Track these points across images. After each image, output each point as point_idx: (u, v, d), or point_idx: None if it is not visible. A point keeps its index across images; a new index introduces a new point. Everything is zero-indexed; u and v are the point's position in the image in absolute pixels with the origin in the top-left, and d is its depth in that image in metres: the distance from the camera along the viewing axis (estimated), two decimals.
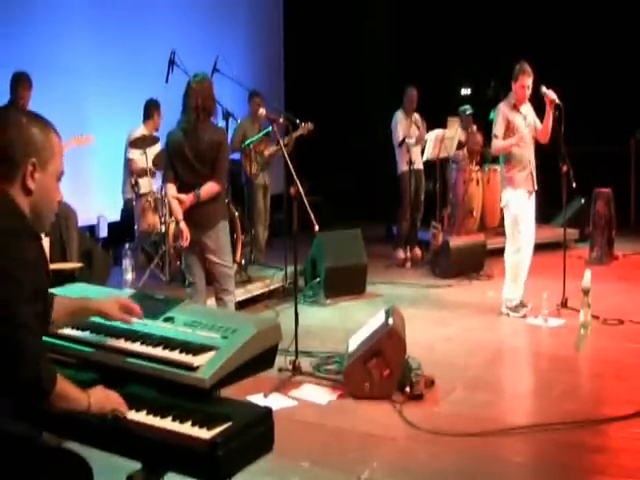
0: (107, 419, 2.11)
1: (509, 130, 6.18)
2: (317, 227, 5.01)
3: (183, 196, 4.85)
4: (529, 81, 6.15)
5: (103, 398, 2.13)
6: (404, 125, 8.50)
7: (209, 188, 4.82)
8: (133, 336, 2.37)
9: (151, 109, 7.66)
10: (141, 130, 7.53)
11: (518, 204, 6.20)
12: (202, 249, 4.93)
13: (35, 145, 2.11)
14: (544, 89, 6.19)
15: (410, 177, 8.44)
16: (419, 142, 8.49)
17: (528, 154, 6.25)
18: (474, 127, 9.40)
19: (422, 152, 8.56)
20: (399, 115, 8.54)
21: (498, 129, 6.20)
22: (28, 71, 6.19)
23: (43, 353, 2.07)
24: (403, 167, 8.55)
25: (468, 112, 9.39)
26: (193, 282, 5.05)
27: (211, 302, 5.24)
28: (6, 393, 2.04)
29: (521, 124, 6.21)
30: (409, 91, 8.58)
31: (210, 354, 2.22)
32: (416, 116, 8.58)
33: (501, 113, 6.21)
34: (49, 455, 2.19)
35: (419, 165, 8.64)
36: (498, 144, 6.24)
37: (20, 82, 5.98)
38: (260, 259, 7.89)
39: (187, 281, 5.11)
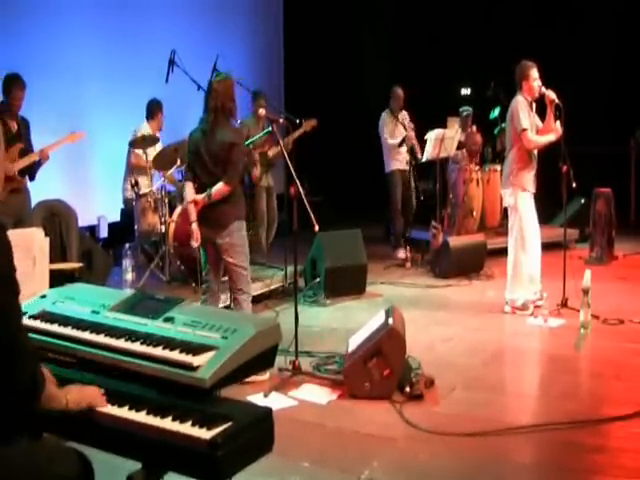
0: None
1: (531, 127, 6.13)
2: (317, 227, 5.01)
3: (199, 197, 4.89)
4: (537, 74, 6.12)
5: (77, 395, 2.16)
6: (389, 126, 8.63)
7: (219, 189, 4.82)
8: (133, 336, 2.38)
9: (154, 109, 7.65)
10: (146, 128, 7.51)
11: (527, 206, 6.19)
12: (216, 249, 4.95)
13: None
14: (544, 89, 6.20)
15: (399, 176, 8.62)
16: (405, 142, 8.57)
17: (536, 154, 6.25)
18: (473, 127, 9.41)
19: (410, 151, 8.64)
20: (384, 116, 8.74)
21: (525, 122, 6.06)
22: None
23: (35, 352, 2.08)
24: (391, 166, 8.68)
25: (465, 113, 9.42)
26: (207, 281, 5.09)
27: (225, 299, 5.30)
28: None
29: (539, 122, 6.21)
30: (395, 90, 8.75)
31: (210, 354, 2.22)
32: (404, 114, 8.67)
33: (524, 106, 6.10)
34: (51, 452, 2.20)
35: (405, 166, 8.70)
36: (535, 137, 6.10)
37: (14, 84, 5.94)
38: (260, 260, 7.87)
39: (203, 280, 5.20)
